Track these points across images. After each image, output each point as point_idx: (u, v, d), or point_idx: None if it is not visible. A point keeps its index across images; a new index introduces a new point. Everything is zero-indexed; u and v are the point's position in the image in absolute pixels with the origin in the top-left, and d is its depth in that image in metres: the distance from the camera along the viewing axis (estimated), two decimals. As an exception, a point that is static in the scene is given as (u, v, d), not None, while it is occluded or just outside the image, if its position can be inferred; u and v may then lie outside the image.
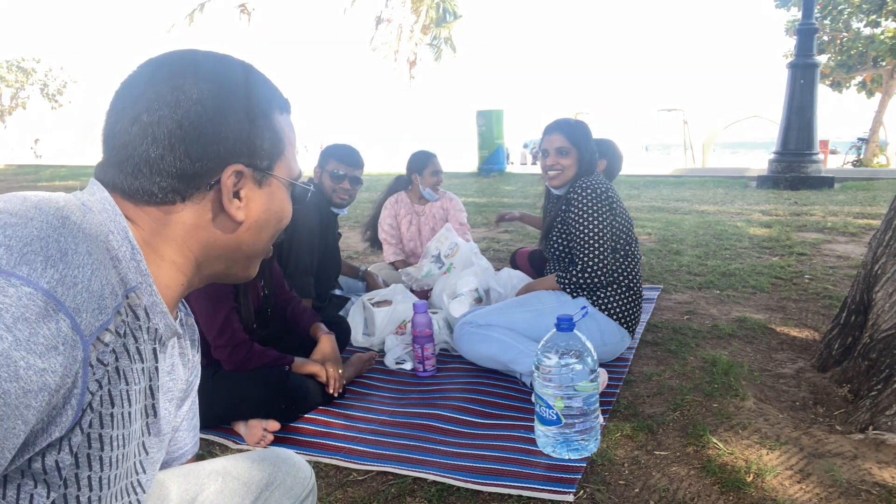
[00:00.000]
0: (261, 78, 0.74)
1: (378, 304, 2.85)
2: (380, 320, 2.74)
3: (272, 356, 2.00)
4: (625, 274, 2.36)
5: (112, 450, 0.61)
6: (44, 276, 0.51)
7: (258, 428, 1.92)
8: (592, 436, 1.76)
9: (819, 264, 3.99)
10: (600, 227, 2.27)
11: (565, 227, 2.40)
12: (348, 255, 4.57)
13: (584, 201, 2.29)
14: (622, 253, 2.36)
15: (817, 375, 2.28)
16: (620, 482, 1.64)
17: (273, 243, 0.79)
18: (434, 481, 1.66)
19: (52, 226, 0.55)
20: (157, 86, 0.66)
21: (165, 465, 0.91)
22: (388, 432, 1.95)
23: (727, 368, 2.28)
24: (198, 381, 0.92)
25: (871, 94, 17.24)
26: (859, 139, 15.73)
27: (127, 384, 0.61)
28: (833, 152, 16.78)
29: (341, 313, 2.83)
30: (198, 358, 0.89)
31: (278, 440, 1.92)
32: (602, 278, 2.30)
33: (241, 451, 1.88)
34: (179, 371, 0.81)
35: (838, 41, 16.24)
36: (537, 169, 13.27)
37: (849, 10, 15.59)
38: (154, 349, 0.68)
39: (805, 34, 8.39)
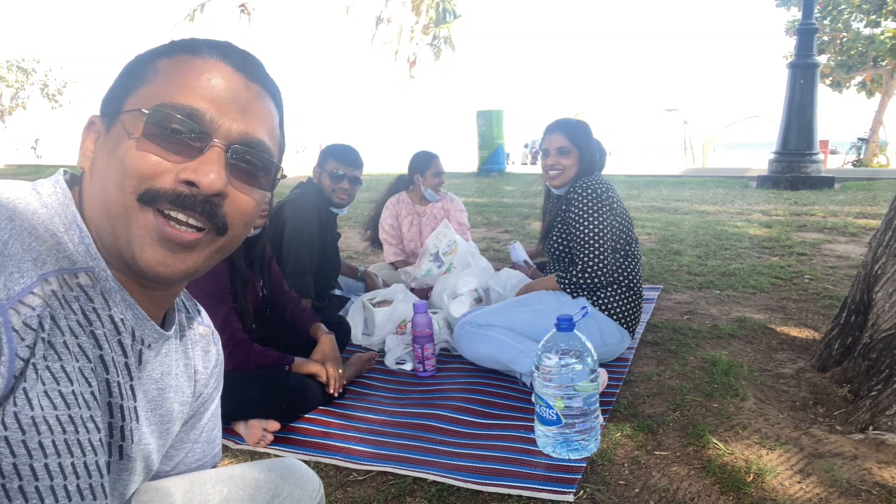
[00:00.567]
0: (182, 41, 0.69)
1: (378, 303, 2.85)
2: (380, 320, 2.74)
3: (272, 356, 2.00)
4: (625, 274, 2.35)
5: (50, 445, 0.56)
6: None
7: (258, 428, 1.92)
8: (592, 436, 1.76)
9: (819, 264, 3.99)
10: (600, 227, 2.27)
11: (565, 227, 2.40)
12: (348, 255, 4.57)
13: (585, 201, 2.29)
14: (622, 253, 2.36)
15: (817, 375, 2.28)
16: (620, 482, 1.64)
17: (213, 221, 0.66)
18: (434, 481, 1.66)
19: None
20: None
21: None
22: (388, 432, 1.95)
23: (727, 368, 2.28)
24: (217, 395, 0.89)
25: (871, 94, 17.25)
26: (859, 139, 15.74)
27: (62, 360, 0.58)
28: (833, 152, 16.80)
29: (341, 313, 2.83)
30: (215, 371, 0.86)
31: (278, 440, 1.92)
32: (602, 278, 2.30)
33: (241, 451, 1.88)
34: (179, 381, 0.79)
35: (838, 41, 16.25)
36: (537, 169, 13.28)
37: (849, 10, 15.61)
38: (121, 341, 0.66)
39: (805, 34, 8.40)
